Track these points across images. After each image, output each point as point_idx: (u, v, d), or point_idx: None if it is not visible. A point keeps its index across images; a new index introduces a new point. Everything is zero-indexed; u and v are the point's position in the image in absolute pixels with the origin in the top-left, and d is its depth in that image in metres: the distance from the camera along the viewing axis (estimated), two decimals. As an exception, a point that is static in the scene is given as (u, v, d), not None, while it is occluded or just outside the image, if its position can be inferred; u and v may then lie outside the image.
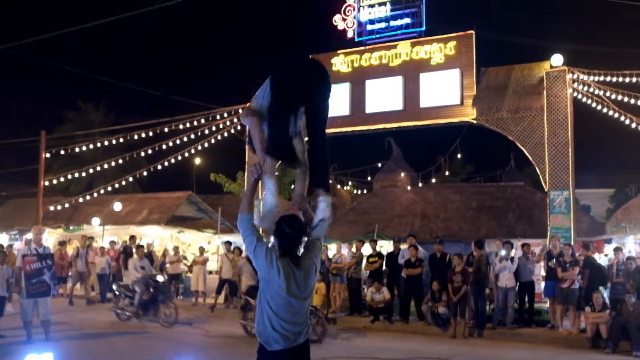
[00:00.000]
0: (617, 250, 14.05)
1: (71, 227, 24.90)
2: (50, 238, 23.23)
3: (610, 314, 11.81)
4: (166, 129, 21.93)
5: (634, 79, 15.99)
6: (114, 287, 15.19)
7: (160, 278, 14.92)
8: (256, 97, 4.60)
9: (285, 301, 3.98)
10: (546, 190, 16.69)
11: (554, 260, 13.32)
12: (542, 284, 14.77)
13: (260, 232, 4.32)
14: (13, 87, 48.75)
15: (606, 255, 17.37)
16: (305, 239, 4.23)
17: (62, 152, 24.23)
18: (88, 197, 24.63)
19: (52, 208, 24.34)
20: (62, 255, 18.81)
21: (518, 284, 13.78)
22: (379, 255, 15.72)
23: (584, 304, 12.41)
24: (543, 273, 14.93)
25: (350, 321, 14.92)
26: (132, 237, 19.53)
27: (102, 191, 24.42)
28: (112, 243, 20.49)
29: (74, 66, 47.45)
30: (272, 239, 4.26)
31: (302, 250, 4.18)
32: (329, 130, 19.75)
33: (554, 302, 13.38)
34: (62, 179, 25.26)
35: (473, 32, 17.86)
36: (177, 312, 14.21)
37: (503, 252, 13.79)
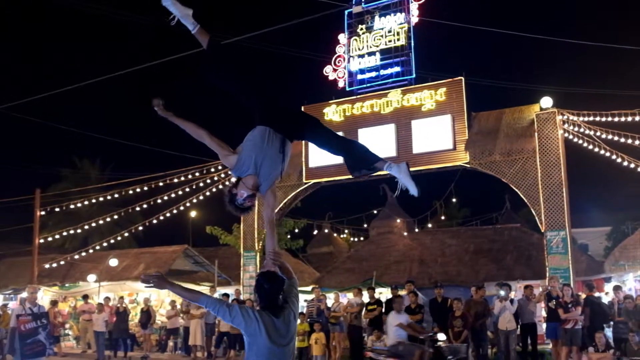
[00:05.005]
0: (617, 288, 14.01)
1: (67, 285, 24.62)
2: (46, 296, 22.95)
3: (614, 354, 11.68)
4: (161, 183, 21.98)
5: (623, 119, 16.24)
6: (370, 353, 12.67)
7: (441, 336, 12.50)
8: (240, 149, 4.66)
9: (269, 350, 4.23)
10: (543, 231, 16.70)
11: (554, 301, 13.24)
12: (544, 326, 14.63)
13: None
14: (8, 146, 48.97)
15: (606, 293, 17.28)
16: (283, 290, 4.48)
17: (57, 209, 24.18)
18: (84, 254, 24.46)
19: (47, 266, 24.14)
20: (55, 314, 18.66)
21: (519, 326, 13.65)
22: (378, 302, 15.58)
23: (587, 344, 12.28)
24: (544, 314, 14.81)
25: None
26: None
27: (97, 247, 24.28)
28: (107, 299, 20.26)
29: (68, 124, 47.73)
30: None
31: (280, 301, 4.43)
32: (324, 179, 19.81)
33: (557, 344, 13.23)
34: (57, 236, 25.12)
35: (462, 78, 18.15)
36: None
37: (502, 293, 13.72)
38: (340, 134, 18.88)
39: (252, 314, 4.26)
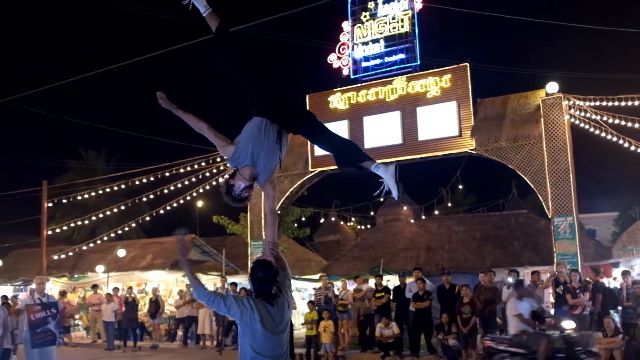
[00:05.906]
0: (626, 273, 13.98)
1: (76, 276, 24.81)
2: (55, 287, 23.13)
3: (623, 339, 11.68)
4: (167, 174, 22.04)
5: (629, 103, 16.14)
6: (490, 342, 11.44)
7: (569, 324, 11.04)
8: (237, 140, 4.67)
9: (264, 337, 4.30)
10: (550, 216, 16.66)
11: (562, 286, 13.23)
12: (552, 311, 14.62)
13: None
14: (14, 139, 49.17)
15: (614, 279, 17.26)
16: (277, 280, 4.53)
17: (65, 200, 24.31)
18: (92, 245, 24.63)
19: (55, 257, 24.33)
20: (64, 305, 18.82)
21: (527, 312, 13.64)
22: (386, 290, 15.61)
23: (595, 330, 12.29)
24: (552, 300, 14.81)
25: (360, 358, 14.75)
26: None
27: (105, 238, 24.43)
28: (116, 290, 20.40)
29: (74, 115, 47.84)
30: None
31: (274, 289, 4.49)
32: (330, 167, 19.73)
33: (565, 330, 13.22)
34: (65, 228, 25.27)
35: (467, 64, 18.05)
36: None
37: (510, 280, 13.74)
38: (345, 122, 19.02)
39: (247, 302, 4.33)
